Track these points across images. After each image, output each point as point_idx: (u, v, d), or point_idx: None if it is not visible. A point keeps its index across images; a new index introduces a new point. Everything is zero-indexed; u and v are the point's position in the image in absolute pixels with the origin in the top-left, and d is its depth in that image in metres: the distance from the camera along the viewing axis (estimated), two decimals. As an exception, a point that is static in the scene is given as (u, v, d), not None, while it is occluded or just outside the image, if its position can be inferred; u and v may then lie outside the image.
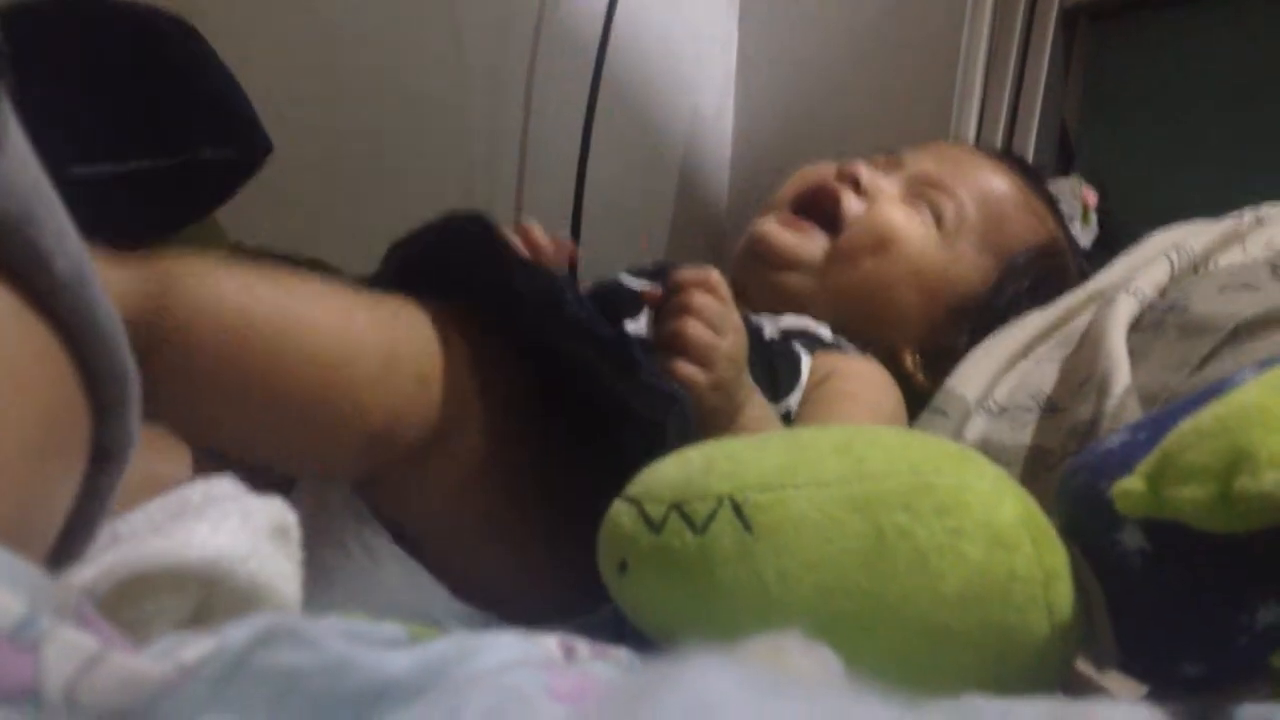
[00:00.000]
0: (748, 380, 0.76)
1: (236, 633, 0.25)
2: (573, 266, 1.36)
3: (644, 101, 1.77)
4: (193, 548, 0.38)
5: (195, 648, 0.25)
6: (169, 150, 0.84)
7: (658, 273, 1.06)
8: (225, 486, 0.42)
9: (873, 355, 1.00)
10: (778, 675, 0.25)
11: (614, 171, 1.68)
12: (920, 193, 1.06)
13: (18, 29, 0.79)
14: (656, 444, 0.62)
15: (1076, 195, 1.15)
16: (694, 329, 0.71)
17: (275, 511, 0.42)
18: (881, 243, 1.02)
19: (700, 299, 0.72)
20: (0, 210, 0.32)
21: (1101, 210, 1.17)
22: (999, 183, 1.09)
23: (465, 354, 0.66)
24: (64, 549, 0.36)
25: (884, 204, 1.04)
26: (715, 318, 0.72)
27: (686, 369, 0.70)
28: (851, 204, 1.04)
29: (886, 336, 1.03)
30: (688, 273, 0.73)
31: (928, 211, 1.05)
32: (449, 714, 0.24)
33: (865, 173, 1.05)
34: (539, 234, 0.90)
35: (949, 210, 1.05)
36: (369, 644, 0.27)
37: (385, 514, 0.68)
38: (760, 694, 0.21)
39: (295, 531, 0.43)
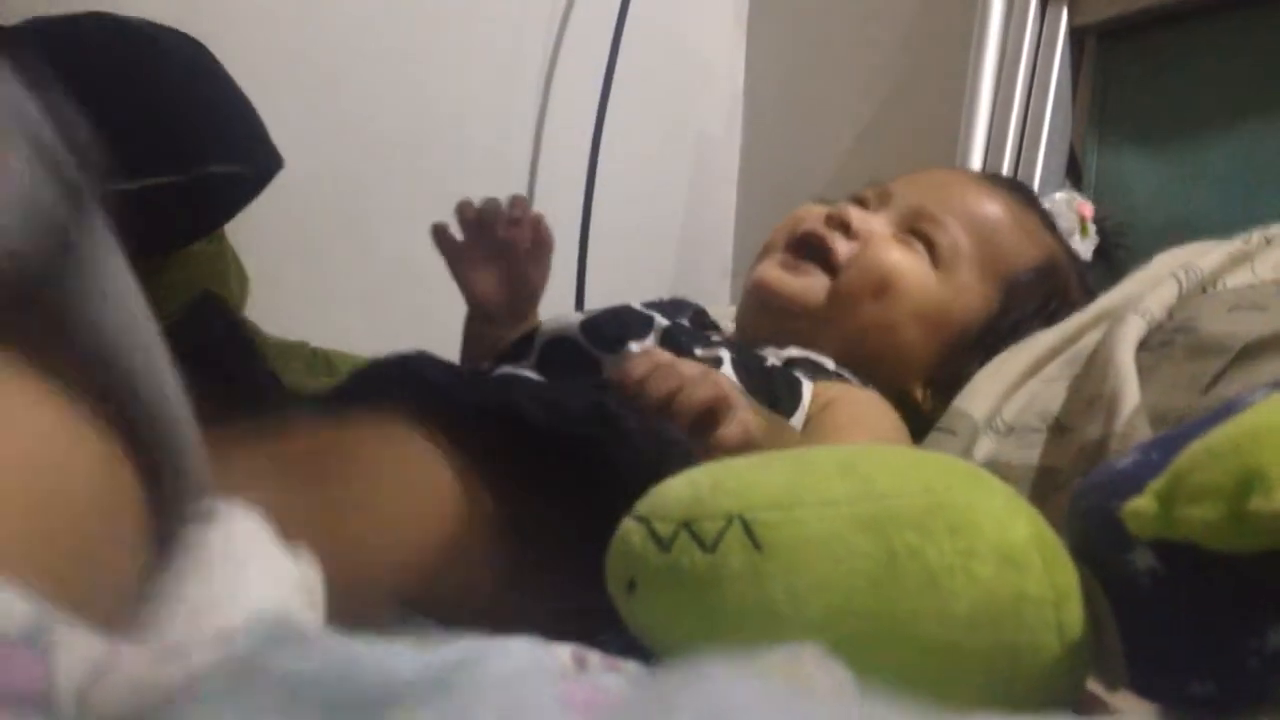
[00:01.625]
0: (765, 410, 0.76)
1: (243, 638, 0.25)
2: (580, 286, 1.36)
3: (651, 124, 1.77)
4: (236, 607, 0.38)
5: (204, 653, 0.25)
6: (179, 167, 0.84)
7: (673, 306, 1.06)
8: (246, 538, 0.42)
9: (878, 388, 0.99)
10: (792, 686, 0.25)
11: (621, 194, 1.68)
12: (912, 227, 1.05)
13: (28, 48, 0.80)
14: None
15: (1072, 208, 1.15)
16: (696, 392, 0.69)
17: (303, 572, 0.42)
18: (880, 286, 1.01)
19: (658, 383, 0.70)
20: (91, 341, 0.32)
21: (1099, 219, 1.17)
22: (989, 206, 1.08)
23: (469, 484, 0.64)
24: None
25: (877, 246, 1.03)
26: (680, 378, 0.70)
27: (733, 433, 0.68)
28: (841, 248, 1.03)
29: (893, 374, 1.03)
30: (624, 371, 0.71)
31: (921, 247, 1.04)
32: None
33: (855, 216, 1.04)
34: (471, 211, 0.90)
35: (943, 242, 1.04)
36: (373, 648, 0.27)
37: None
38: (776, 702, 0.21)
39: (319, 592, 0.42)
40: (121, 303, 0.34)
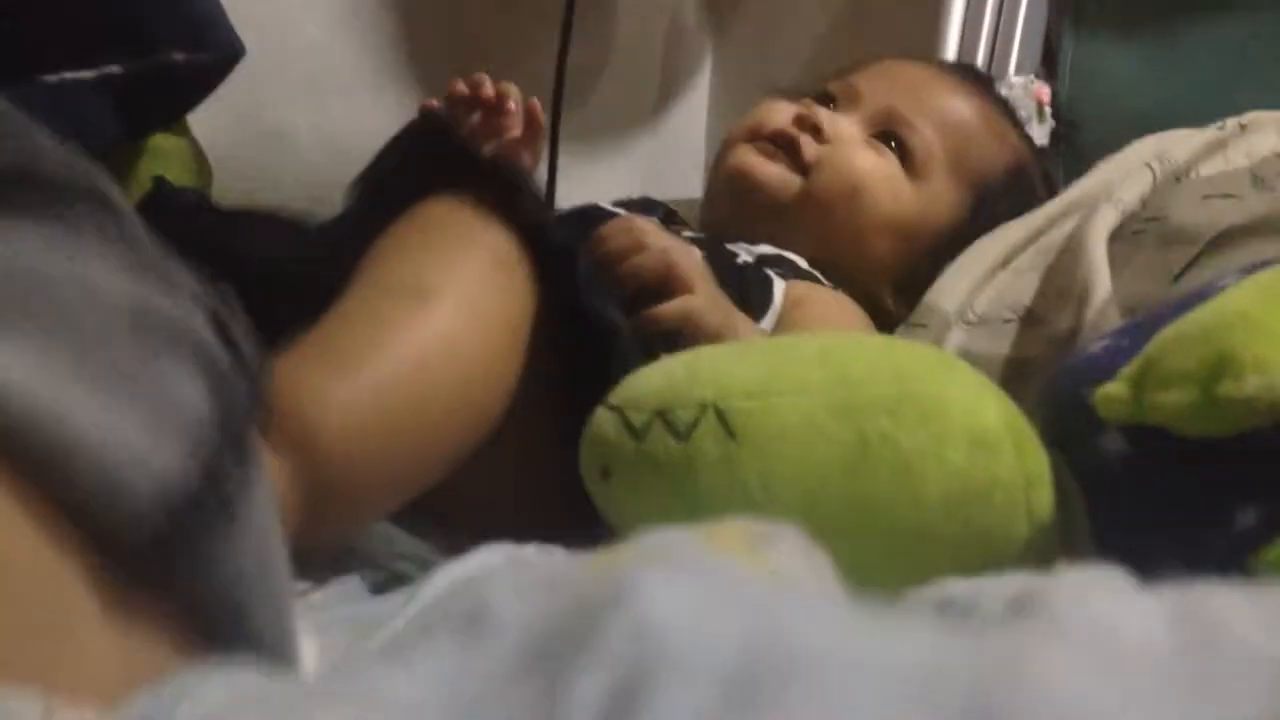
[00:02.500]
0: (726, 300, 0.76)
1: (162, 687, 0.24)
2: (551, 182, 1.34)
3: (621, 13, 1.74)
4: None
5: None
6: (138, 54, 0.82)
7: (642, 205, 1.05)
8: None
9: (849, 292, 0.99)
10: (734, 580, 0.25)
11: (591, 86, 1.66)
12: (883, 130, 1.03)
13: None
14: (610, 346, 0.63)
15: (1029, 93, 1.14)
16: (644, 259, 0.71)
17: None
18: (851, 192, 0.99)
19: (616, 241, 0.72)
20: (219, 594, 0.29)
21: (1053, 105, 1.16)
22: (961, 106, 1.07)
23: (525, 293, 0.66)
24: None
25: (848, 150, 1.01)
26: (638, 244, 0.72)
27: (670, 307, 0.70)
28: (811, 150, 1.01)
29: (863, 279, 1.02)
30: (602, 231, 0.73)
31: (892, 153, 1.02)
32: (421, 630, 0.24)
33: (825, 118, 1.02)
34: (488, 88, 0.90)
35: (916, 147, 1.02)
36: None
37: None
38: (699, 603, 0.21)
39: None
40: (263, 544, 0.31)
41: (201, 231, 0.74)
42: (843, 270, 1.00)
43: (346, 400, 0.57)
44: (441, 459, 0.62)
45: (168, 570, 0.27)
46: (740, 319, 0.76)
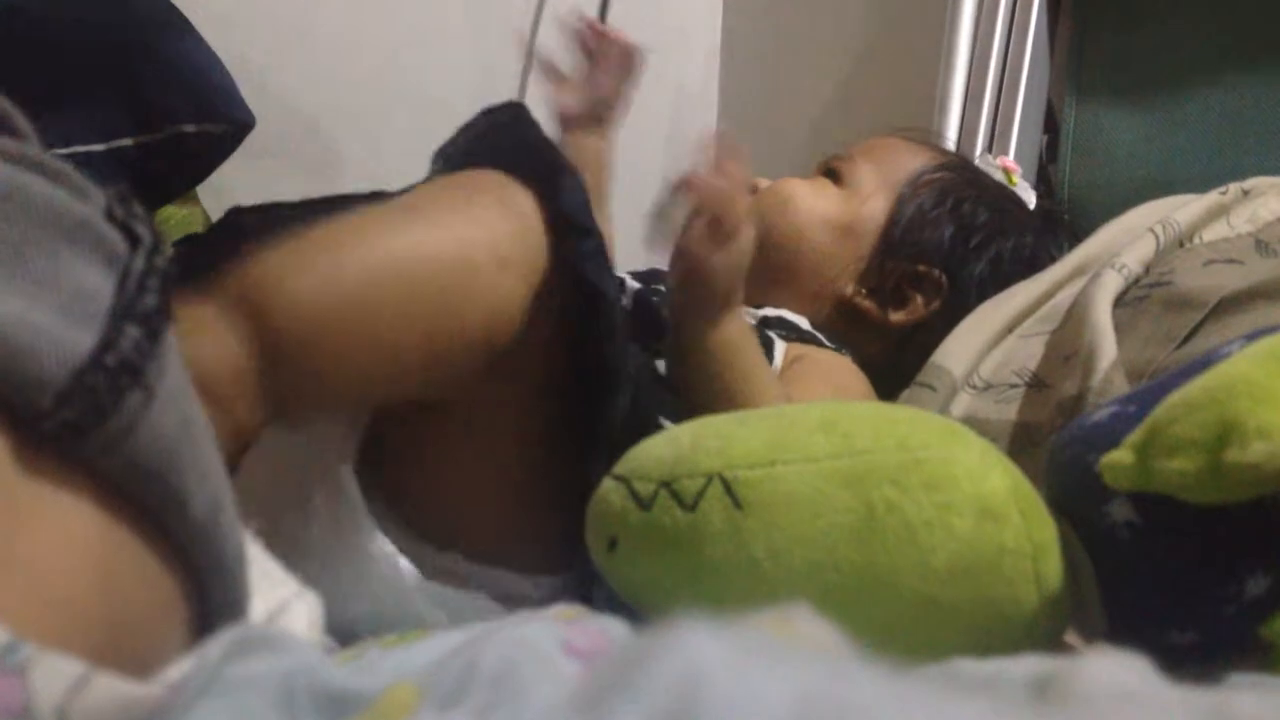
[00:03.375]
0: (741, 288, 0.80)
1: (212, 647, 0.25)
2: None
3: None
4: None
5: (179, 667, 0.25)
6: (148, 127, 0.83)
7: (648, 276, 1.07)
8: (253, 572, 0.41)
9: (813, 296, 1.07)
10: (772, 642, 0.25)
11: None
12: (822, 170, 1.14)
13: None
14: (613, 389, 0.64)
15: (993, 165, 1.21)
16: (711, 184, 0.77)
17: (304, 612, 0.41)
18: (779, 204, 1.09)
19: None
20: (143, 459, 0.31)
21: (1073, 190, 1.22)
22: (896, 141, 1.17)
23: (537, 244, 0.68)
24: None
25: (779, 182, 1.13)
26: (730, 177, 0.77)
27: (716, 189, 0.76)
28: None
29: (820, 279, 1.08)
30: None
31: (826, 180, 1.12)
32: (460, 679, 0.23)
33: (763, 180, 1.13)
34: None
35: (846, 170, 1.12)
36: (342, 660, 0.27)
37: (393, 474, 0.69)
38: (748, 660, 0.21)
39: (319, 626, 0.42)
40: (177, 405, 0.33)
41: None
42: (805, 282, 1.08)
43: (301, 283, 0.60)
44: (401, 361, 0.64)
45: (84, 435, 0.29)
46: (736, 324, 0.79)
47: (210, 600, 0.35)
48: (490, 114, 0.78)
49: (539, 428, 0.70)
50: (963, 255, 1.08)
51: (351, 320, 0.61)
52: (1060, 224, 1.17)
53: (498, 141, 0.75)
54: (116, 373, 0.30)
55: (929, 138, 1.28)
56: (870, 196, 1.10)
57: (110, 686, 0.24)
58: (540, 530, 0.70)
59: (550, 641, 0.25)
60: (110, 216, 0.33)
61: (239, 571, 0.36)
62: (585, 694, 0.21)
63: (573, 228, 0.67)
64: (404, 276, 0.63)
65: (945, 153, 1.20)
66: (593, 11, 1.60)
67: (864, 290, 1.08)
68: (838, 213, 1.09)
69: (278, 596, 0.41)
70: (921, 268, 1.07)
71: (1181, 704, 0.26)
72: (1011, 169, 1.21)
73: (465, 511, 0.71)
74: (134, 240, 0.33)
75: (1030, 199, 1.18)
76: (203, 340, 0.57)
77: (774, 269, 1.05)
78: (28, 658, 0.23)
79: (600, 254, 0.68)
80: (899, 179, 1.11)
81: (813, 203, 1.10)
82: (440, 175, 0.75)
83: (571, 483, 0.61)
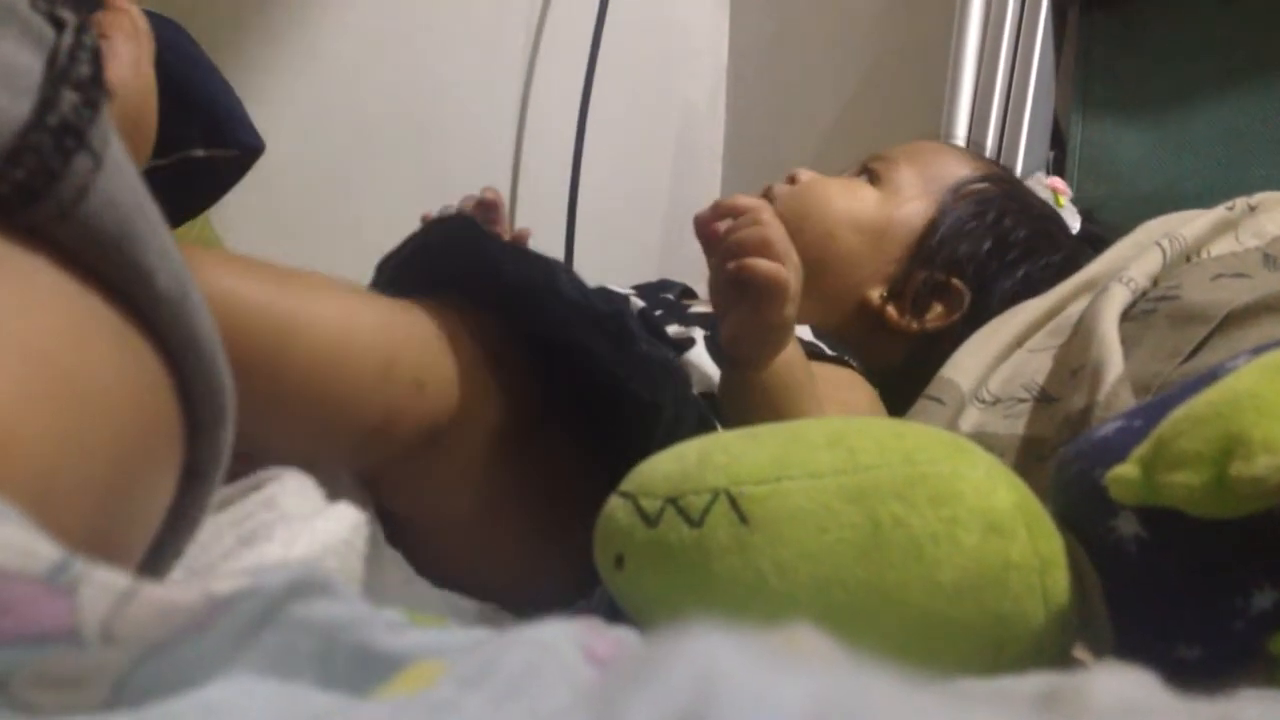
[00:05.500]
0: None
1: (272, 577, 0.26)
2: (568, 262, 1.36)
3: (635, 99, 1.77)
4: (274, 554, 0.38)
5: (227, 583, 0.25)
6: (159, 151, 0.83)
7: (659, 287, 1.07)
8: (291, 498, 0.42)
9: (836, 300, 1.04)
10: (784, 652, 0.25)
11: (607, 169, 1.68)
12: (859, 170, 1.11)
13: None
14: (654, 420, 0.63)
15: (1042, 184, 1.18)
16: (764, 229, 0.73)
17: (343, 524, 0.42)
18: (811, 202, 1.07)
19: (763, 215, 0.74)
20: (100, 226, 0.32)
21: (1083, 208, 1.19)
22: (940, 145, 1.16)
23: (465, 355, 0.67)
24: (149, 570, 0.37)
25: (813, 180, 1.10)
26: (779, 235, 0.73)
27: (764, 265, 0.71)
28: (781, 188, 1.09)
29: (845, 281, 1.06)
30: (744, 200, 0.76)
31: (863, 180, 1.10)
32: (483, 667, 0.24)
33: (803, 170, 1.10)
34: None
35: (885, 171, 1.09)
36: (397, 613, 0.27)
37: (389, 506, 0.69)
38: (763, 662, 0.21)
39: (361, 538, 0.42)
40: (126, 179, 0.34)
41: None
42: (829, 286, 1.05)
43: (214, 275, 0.60)
44: (281, 408, 0.63)
45: (37, 198, 0.31)
46: (791, 355, 0.78)
47: (191, 383, 0.36)
48: (435, 224, 0.79)
49: (537, 461, 0.70)
50: (995, 271, 1.07)
51: (240, 349, 0.60)
52: (1097, 248, 1.14)
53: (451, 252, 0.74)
54: (60, 133, 0.31)
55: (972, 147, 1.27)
56: (909, 200, 1.08)
57: (151, 595, 0.25)
58: (550, 566, 0.70)
59: (571, 646, 0.25)
60: (33, 5, 0.33)
61: (215, 353, 0.36)
62: (601, 692, 0.22)
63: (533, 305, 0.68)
64: (280, 339, 0.62)
65: (990, 164, 1.17)
66: (589, 30, 1.61)
67: (888, 295, 1.06)
68: (872, 215, 1.07)
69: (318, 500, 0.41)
70: (954, 280, 1.05)
71: (1189, 718, 0.26)
72: (1060, 190, 1.18)
73: (473, 555, 0.71)
74: (59, 25, 0.34)
75: (1075, 223, 1.16)
76: None
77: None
78: (77, 576, 0.24)
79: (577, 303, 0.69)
80: (941, 186, 1.09)
81: (847, 203, 1.08)
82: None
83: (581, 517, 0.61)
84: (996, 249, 1.07)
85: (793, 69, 1.82)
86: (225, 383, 0.37)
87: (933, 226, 1.07)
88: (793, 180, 1.09)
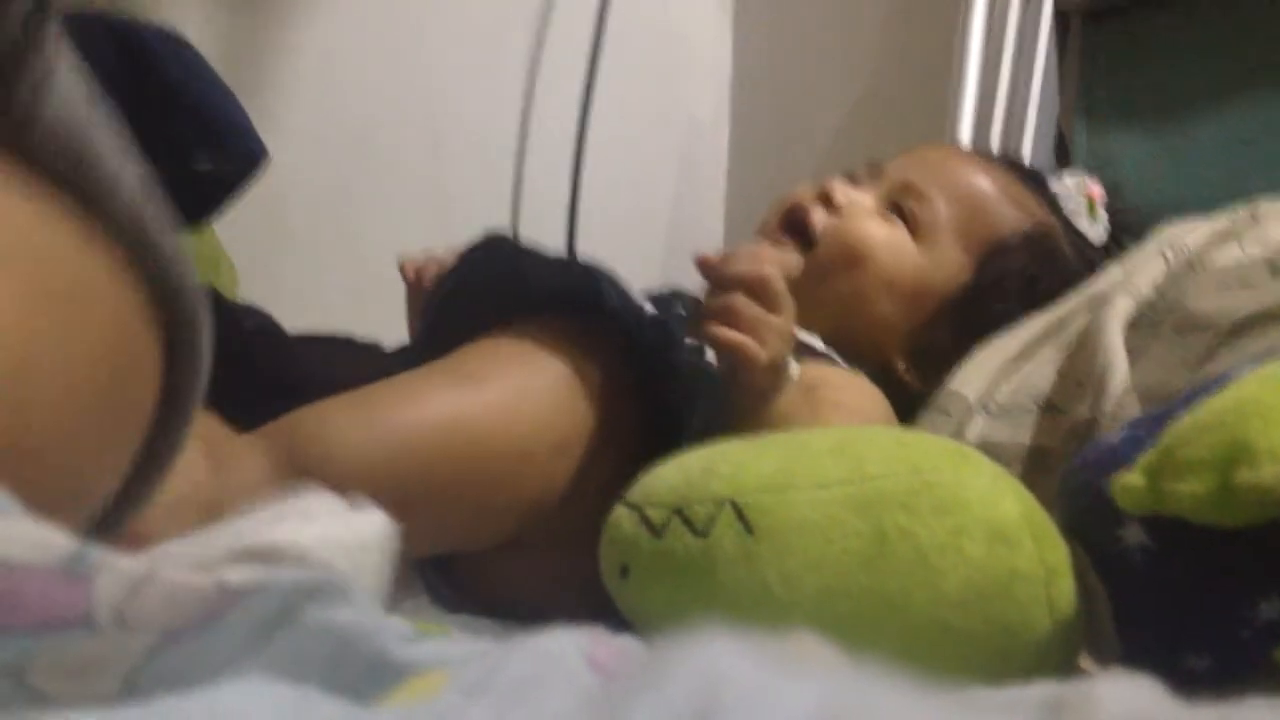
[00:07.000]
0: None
1: (285, 575, 0.26)
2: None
3: (638, 110, 1.77)
4: (286, 536, 0.38)
5: (239, 571, 0.26)
6: (162, 162, 0.84)
7: (669, 297, 1.06)
8: (315, 500, 0.42)
9: (865, 367, 0.99)
10: (788, 658, 0.25)
11: (610, 180, 1.68)
12: (896, 203, 1.04)
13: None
14: (683, 425, 0.64)
15: (1081, 191, 1.13)
16: (742, 302, 0.71)
17: (372, 526, 0.42)
18: (852, 257, 1.01)
19: (752, 275, 0.73)
20: (60, 134, 0.33)
21: (1111, 208, 1.16)
22: (978, 178, 1.07)
23: (601, 405, 0.72)
24: (126, 496, 0.37)
25: (855, 217, 1.03)
26: (769, 296, 0.72)
27: (734, 337, 0.70)
28: (820, 219, 1.02)
29: (872, 346, 1.02)
30: (739, 258, 0.75)
31: (901, 222, 1.03)
32: (486, 675, 0.24)
33: (839, 189, 1.04)
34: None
35: (924, 215, 1.03)
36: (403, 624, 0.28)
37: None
38: (768, 666, 0.21)
39: (387, 549, 0.43)
40: (81, 91, 0.35)
41: (278, 356, 0.78)
42: (853, 339, 1.01)
43: (358, 440, 0.62)
44: (440, 526, 0.66)
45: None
46: (787, 398, 0.76)
47: (161, 295, 0.37)
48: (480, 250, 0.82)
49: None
50: (1012, 317, 1.03)
51: (393, 493, 0.60)
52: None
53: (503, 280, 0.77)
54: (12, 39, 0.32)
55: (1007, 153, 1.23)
56: (948, 258, 1.03)
57: (164, 580, 0.25)
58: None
59: (574, 654, 0.25)
60: None
61: (185, 268, 0.38)
62: (606, 696, 0.22)
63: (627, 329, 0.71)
64: (456, 458, 0.65)
65: (1031, 207, 1.10)
66: (590, 40, 1.61)
67: (907, 356, 1.03)
68: (911, 279, 1.02)
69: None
70: (978, 344, 1.01)
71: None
72: (1096, 197, 1.13)
73: (542, 579, 0.73)
74: None
75: (1102, 233, 1.12)
76: (244, 469, 0.59)
77: (822, 317, 1.00)
78: (94, 565, 0.24)
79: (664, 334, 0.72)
80: (982, 245, 1.04)
81: (885, 262, 1.01)
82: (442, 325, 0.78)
83: None
84: (1021, 309, 1.03)
85: (796, 79, 1.83)
86: (196, 311, 0.38)
87: (967, 294, 1.03)
88: (828, 200, 1.04)
